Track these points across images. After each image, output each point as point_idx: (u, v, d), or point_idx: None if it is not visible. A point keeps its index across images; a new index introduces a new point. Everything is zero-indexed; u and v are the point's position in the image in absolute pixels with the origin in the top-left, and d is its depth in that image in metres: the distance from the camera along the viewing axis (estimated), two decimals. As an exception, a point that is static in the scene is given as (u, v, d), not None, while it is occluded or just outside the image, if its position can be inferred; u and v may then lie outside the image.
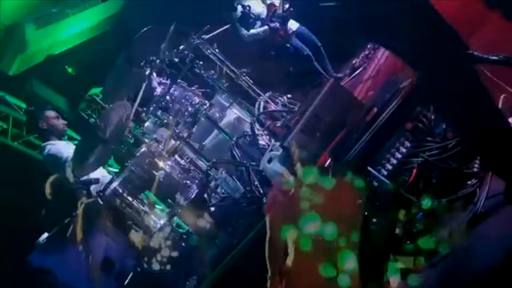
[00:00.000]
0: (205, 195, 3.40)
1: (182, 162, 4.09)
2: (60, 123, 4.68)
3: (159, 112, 3.97)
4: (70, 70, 6.87)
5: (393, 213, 2.01)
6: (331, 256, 1.61)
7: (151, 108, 3.88)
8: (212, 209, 3.24)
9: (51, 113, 4.71)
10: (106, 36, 7.00)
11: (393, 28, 1.74)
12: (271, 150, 2.81)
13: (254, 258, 2.19)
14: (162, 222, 3.85)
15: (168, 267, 3.55)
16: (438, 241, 1.95)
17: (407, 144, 2.05)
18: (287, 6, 5.77)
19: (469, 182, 2.01)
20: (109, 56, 5.16)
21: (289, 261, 1.66)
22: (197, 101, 4.02)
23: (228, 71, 4.07)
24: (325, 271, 1.60)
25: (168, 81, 4.18)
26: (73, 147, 4.83)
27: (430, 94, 1.84)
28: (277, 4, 5.87)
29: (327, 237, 1.61)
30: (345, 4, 1.83)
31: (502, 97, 2.03)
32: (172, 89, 3.98)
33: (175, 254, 3.60)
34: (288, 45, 5.92)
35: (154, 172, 3.90)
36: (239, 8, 5.84)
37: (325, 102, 2.74)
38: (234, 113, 4.08)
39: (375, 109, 2.17)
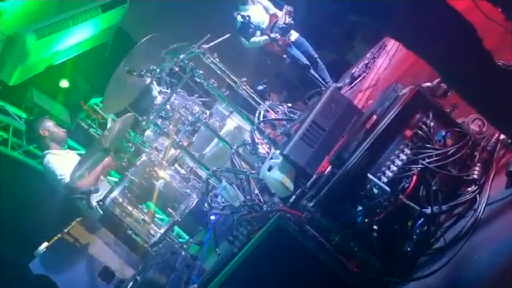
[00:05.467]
0: (205, 204, 3.40)
1: (182, 171, 4.10)
2: (60, 130, 4.70)
3: (159, 121, 3.98)
4: (70, 80, 6.90)
5: (393, 220, 2.01)
6: None
7: (151, 117, 3.89)
8: (212, 217, 3.23)
9: (50, 121, 4.74)
10: (106, 46, 7.04)
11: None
12: (271, 158, 2.81)
13: (254, 266, 2.18)
14: (162, 231, 3.85)
15: (168, 276, 3.54)
16: (438, 248, 1.96)
17: (407, 151, 2.05)
18: (290, 19, 5.82)
19: (469, 189, 2.01)
20: (109, 66, 5.18)
21: None
22: (197, 110, 4.03)
23: (228, 80, 4.09)
24: None
25: (168, 90, 4.20)
26: (74, 156, 4.84)
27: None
28: (280, 15, 5.93)
29: None
30: None
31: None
32: (172, 98, 3.99)
33: (175, 262, 3.59)
34: (285, 55, 5.96)
35: (154, 181, 3.90)
36: (239, 18, 5.88)
37: (325, 110, 2.75)
38: (234, 121, 4.09)
39: (375, 117, 2.17)
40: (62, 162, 4.54)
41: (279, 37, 5.87)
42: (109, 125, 5.45)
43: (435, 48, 1.82)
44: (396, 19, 1.83)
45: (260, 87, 4.99)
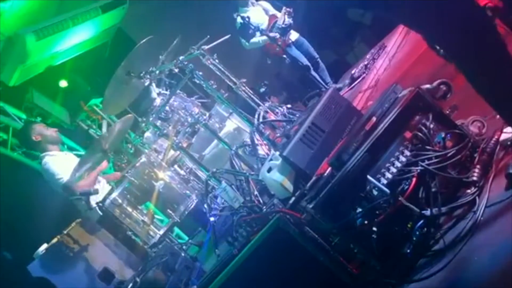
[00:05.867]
0: (205, 205, 3.40)
1: (181, 172, 4.10)
2: (52, 131, 4.70)
3: (158, 123, 3.99)
4: (70, 81, 6.90)
5: (393, 222, 2.00)
6: None
7: (151, 119, 3.90)
8: (212, 218, 3.23)
9: (39, 125, 4.74)
10: (106, 46, 7.04)
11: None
12: (271, 159, 2.81)
13: (254, 268, 2.18)
14: (161, 232, 3.85)
15: (168, 277, 3.54)
16: (438, 250, 1.96)
17: (406, 153, 2.05)
18: (289, 19, 5.83)
19: (469, 191, 2.01)
20: (108, 67, 5.18)
21: None
22: (196, 112, 4.03)
23: (227, 81, 4.09)
24: None
25: (168, 92, 4.20)
26: (72, 158, 4.84)
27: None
28: (279, 16, 5.94)
29: None
30: None
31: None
32: (172, 99, 3.99)
33: (174, 263, 3.59)
34: (285, 55, 5.97)
35: (154, 182, 3.90)
36: (239, 19, 5.89)
37: (325, 111, 2.75)
38: (233, 123, 4.09)
39: (374, 118, 2.17)
40: (61, 163, 4.54)
41: (278, 36, 5.87)
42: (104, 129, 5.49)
43: (448, 34, 1.80)
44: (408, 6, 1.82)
45: (262, 89, 5.00)
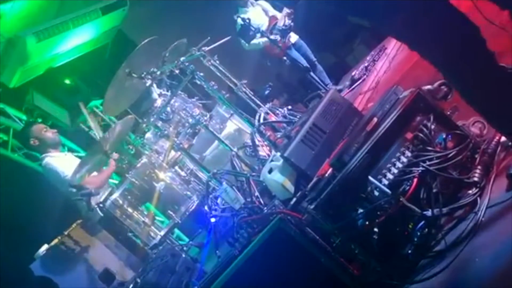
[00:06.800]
0: (206, 206, 3.40)
1: (182, 173, 4.10)
2: (50, 132, 4.68)
3: (159, 123, 3.99)
4: (70, 82, 6.90)
5: (394, 223, 2.01)
6: None
7: (152, 119, 3.90)
8: (213, 220, 3.23)
9: (38, 127, 4.71)
10: (106, 48, 7.04)
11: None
12: (272, 160, 2.81)
13: (255, 269, 2.18)
14: (162, 233, 3.85)
15: (168, 278, 3.53)
16: (439, 251, 1.96)
17: (408, 153, 2.05)
18: (289, 21, 5.84)
19: (470, 192, 2.01)
20: (109, 68, 5.18)
21: None
22: (197, 113, 4.04)
23: (228, 82, 4.09)
24: None
25: (169, 93, 4.21)
26: (73, 158, 4.84)
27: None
28: (279, 17, 5.94)
29: None
30: None
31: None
32: (173, 100, 4.00)
33: (175, 265, 3.59)
34: (285, 57, 5.97)
35: (155, 183, 3.91)
36: (239, 21, 5.90)
37: (326, 113, 2.75)
38: (234, 124, 4.09)
39: (375, 119, 2.17)
40: (62, 162, 4.54)
41: (279, 38, 5.88)
42: (92, 124, 5.48)
43: (439, 50, 1.82)
44: (398, 20, 1.83)
45: (267, 91, 5.01)
